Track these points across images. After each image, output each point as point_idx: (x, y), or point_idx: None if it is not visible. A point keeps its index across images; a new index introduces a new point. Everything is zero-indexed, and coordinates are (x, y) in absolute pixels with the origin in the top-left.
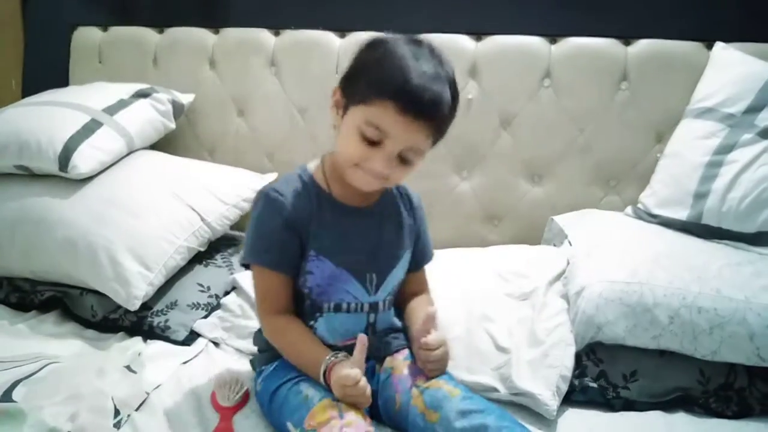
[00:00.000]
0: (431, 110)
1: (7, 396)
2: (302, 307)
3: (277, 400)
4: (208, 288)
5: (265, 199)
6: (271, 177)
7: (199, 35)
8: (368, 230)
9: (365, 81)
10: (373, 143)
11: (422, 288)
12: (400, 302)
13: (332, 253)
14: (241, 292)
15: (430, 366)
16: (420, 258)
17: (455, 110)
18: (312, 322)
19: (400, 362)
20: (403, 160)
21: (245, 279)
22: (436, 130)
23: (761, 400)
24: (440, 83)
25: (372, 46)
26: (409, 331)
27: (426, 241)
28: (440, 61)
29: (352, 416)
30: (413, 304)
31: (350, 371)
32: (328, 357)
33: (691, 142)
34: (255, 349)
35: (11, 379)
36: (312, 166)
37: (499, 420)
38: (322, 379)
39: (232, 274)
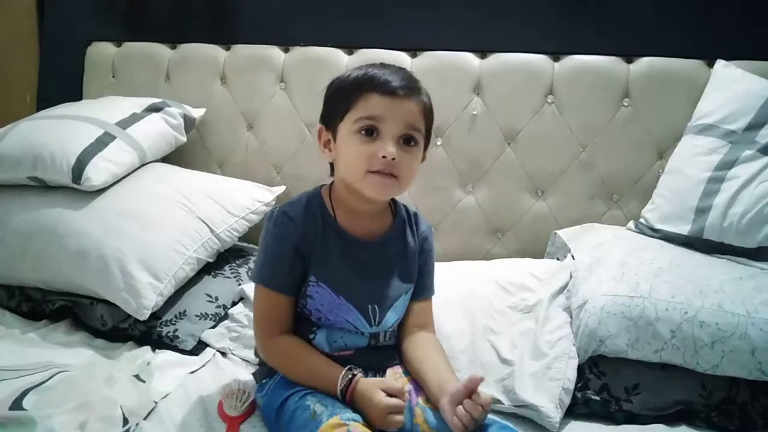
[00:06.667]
0: (410, 84)
1: (17, 404)
2: (300, 321)
3: (283, 415)
4: (216, 298)
5: (276, 222)
6: (279, 190)
7: (211, 51)
8: (372, 263)
9: (341, 98)
10: (371, 134)
11: (426, 321)
12: (401, 332)
13: (332, 282)
14: (248, 302)
15: (475, 421)
16: (418, 287)
17: (429, 98)
18: (311, 336)
19: (401, 376)
20: (407, 142)
21: (252, 290)
22: (423, 107)
23: (764, 414)
24: (406, 72)
25: (333, 81)
26: (419, 377)
27: (427, 272)
28: (395, 66)
29: None
30: (421, 348)
31: (398, 401)
32: (349, 374)
33: (692, 158)
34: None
35: (22, 387)
36: (324, 189)
37: None
38: (339, 394)
39: (239, 284)
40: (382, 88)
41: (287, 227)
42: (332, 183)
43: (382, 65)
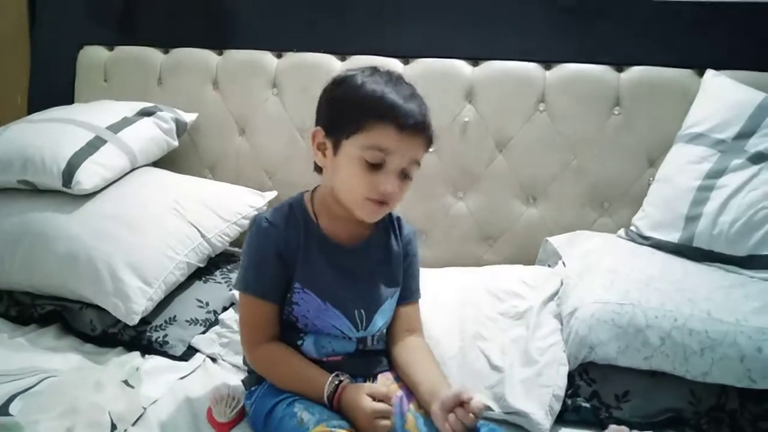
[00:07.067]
0: (425, 123)
1: (4, 409)
2: (287, 327)
3: (271, 422)
4: (207, 304)
5: (258, 228)
6: (270, 195)
7: (203, 56)
8: (355, 267)
9: (353, 112)
10: (375, 166)
11: (414, 326)
12: (391, 337)
13: (317, 288)
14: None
15: (466, 428)
16: (404, 291)
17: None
18: (299, 342)
19: (393, 382)
20: (405, 175)
21: None
22: (430, 140)
23: (753, 422)
24: (419, 98)
25: (341, 82)
26: (409, 381)
27: (412, 275)
28: (404, 80)
29: None
30: (411, 352)
31: (384, 405)
32: (336, 380)
33: (682, 167)
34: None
35: (9, 392)
36: (307, 195)
37: None
38: (326, 400)
39: (230, 290)
40: (399, 122)
41: (270, 234)
42: (315, 189)
43: (393, 80)
